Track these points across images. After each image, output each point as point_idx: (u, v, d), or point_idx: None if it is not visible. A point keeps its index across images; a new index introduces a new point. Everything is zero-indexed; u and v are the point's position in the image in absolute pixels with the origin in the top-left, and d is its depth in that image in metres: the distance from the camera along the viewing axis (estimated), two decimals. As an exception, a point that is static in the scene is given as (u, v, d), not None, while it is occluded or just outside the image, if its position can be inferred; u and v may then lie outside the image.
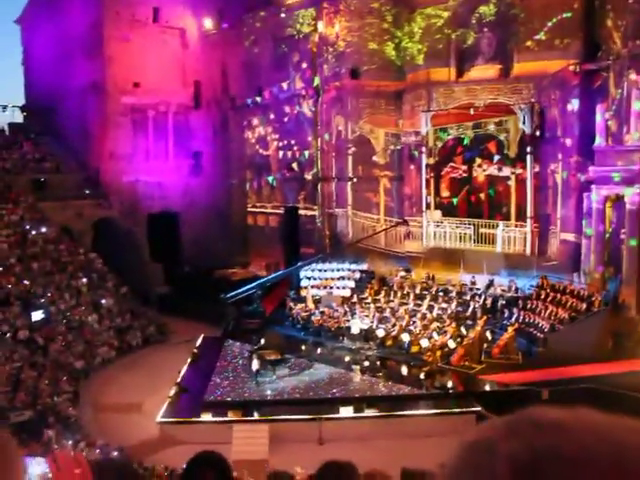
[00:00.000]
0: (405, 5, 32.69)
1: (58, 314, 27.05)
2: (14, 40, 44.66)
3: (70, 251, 31.73)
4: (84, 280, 30.05)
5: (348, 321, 25.63)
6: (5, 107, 39.93)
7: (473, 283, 27.36)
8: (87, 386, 23.58)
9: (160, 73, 38.51)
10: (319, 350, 24.90)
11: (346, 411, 19.25)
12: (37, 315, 25.95)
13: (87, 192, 36.56)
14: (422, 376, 21.04)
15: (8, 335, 24.04)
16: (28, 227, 31.30)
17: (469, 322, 24.32)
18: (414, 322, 24.85)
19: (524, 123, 28.23)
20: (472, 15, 30.59)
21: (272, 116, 37.67)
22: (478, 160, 31.83)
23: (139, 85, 38.04)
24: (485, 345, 22.37)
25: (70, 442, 17.32)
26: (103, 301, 29.60)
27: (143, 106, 38.51)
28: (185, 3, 39.81)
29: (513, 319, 24.05)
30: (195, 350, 25.00)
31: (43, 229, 31.82)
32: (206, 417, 19.36)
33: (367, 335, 24.75)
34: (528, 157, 28.43)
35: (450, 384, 20.56)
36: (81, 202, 35.44)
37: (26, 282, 27.66)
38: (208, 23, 40.56)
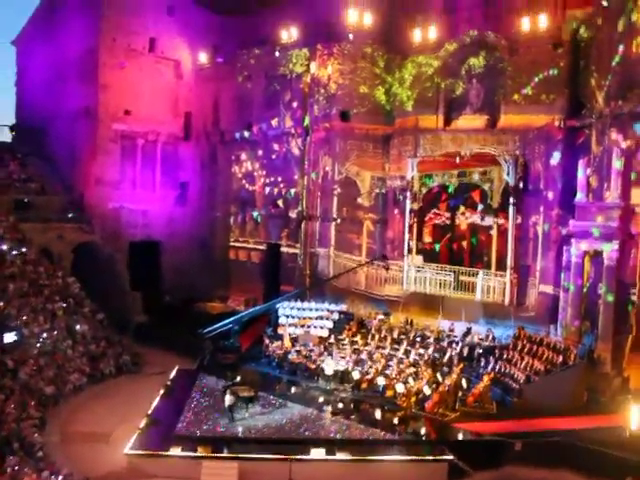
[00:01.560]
0: (397, 52, 33.41)
1: (31, 337, 26.63)
2: (9, 61, 44.79)
3: (48, 274, 31.40)
4: (60, 304, 29.69)
5: (324, 361, 25.51)
6: (-6, 126, 39.88)
7: (451, 330, 27.43)
8: (55, 413, 23.09)
9: (152, 102, 38.82)
10: (293, 389, 24.72)
11: (317, 453, 19.00)
12: (9, 337, 25.54)
13: (70, 215, 36.38)
14: (395, 421, 20.93)
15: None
16: (7, 247, 30.98)
17: (445, 369, 24.29)
18: (390, 366, 24.79)
19: (508, 174, 28.74)
20: (462, 66, 31.34)
21: (260, 152, 37.96)
22: (462, 208, 32.22)
23: (130, 113, 38.25)
24: (460, 393, 22.33)
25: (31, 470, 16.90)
26: (78, 327, 29.19)
27: (133, 134, 38.69)
28: (181, 36, 40.32)
29: (489, 368, 24.08)
30: (169, 382, 24.68)
31: (23, 250, 31.51)
32: (175, 451, 19.00)
33: (342, 377, 24.63)
34: (510, 208, 28.85)
35: (423, 431, 20.43)
36: (63, 225, 35.22)
37: (0, 303, 27.27)
38: (203, 57, 41.06)
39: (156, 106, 39.17)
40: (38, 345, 26.51)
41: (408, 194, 31.84)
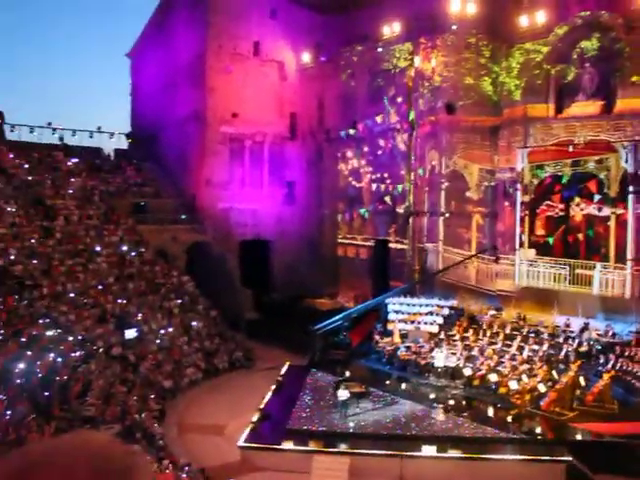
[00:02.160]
0: (503, 40, 32.38)
1: (150, 333, 27.89)
2: (124, 72, 47.15)
3: (164, 273, 32.80)
4: (176, 302, 30.94)
5: (434, 357, 25.13)
6: (112, 134, 42.10)
7: (567, 325, 26.29)
8: (173, 405, 24.09)
9: (258, 104, 39.65)
10: (404, 385, 24.51)
11: (428, 450, 18.75)
12: (130, 333, 26.84)
13: (183, 217, 37.85)
14: (509, 419, 20.29)
15: (102, 351, 24.93)
16: (126, 248, 32.60)
17: (561, 366, 23.31)
18: (503, 363, 24.07)
19: (626, 161, 27.18)
20: (573, 50, 29.95)
21: (366, 149, 37.91)
22: (577, 199, 30.84)
23: (237, 115, 39.26)
24: (578, 391, 21.34)
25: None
26: (193, 323, 30.33)
27: (241, 136, 39.67)
28: (285, 37, 40.94)
29: (609, 366, 22.86)
30: (280, 377, 25.11)
31: (140, 250, 33.07)
32: (287, 445, 19.30)
33: (453, 373, 24.17)
34: (630, 197, 27.26)
35: (539, 430, 19.69)
36: (177, 226, 36.74)
37: (122, 301, 28.72)
38: (306, 57, 41.50)
39: (262, 107, 39.97)
40: (157, 341, 27.71)
41: (518, 186, 30.75)
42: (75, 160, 38.52)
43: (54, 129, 39.38)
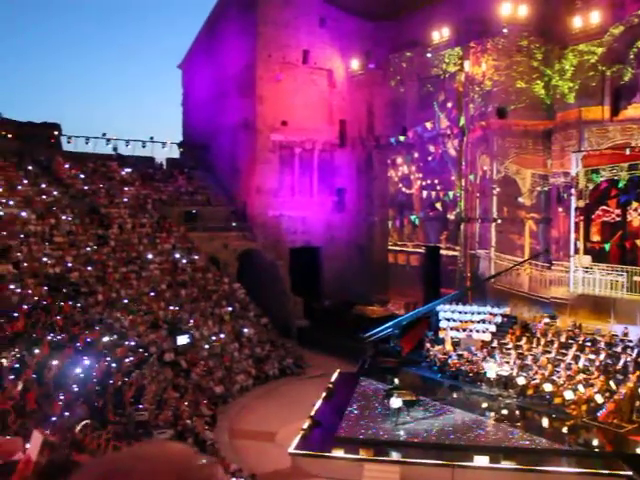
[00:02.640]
0: (556, 42, 31.77)
1: (201, 340, 28.20)
2: (176, 83, 48.02)
3: (216, 280, 33.17)
4: (228, 309, 31.23)
5: (487, 366, 24.71)
6: (164, 144, 42.85)
7: (625, 334, 25.49)
8: (224, 411, 24.28)
9: (307, 112, 39.82)
10: (455, 394, 24.17)
11: (481, 460, 18.39)
12: (182, 339, 27.19)
13: (234, 224, 38.24)
14: (565, 430, 19.79)
15: (155, 357, 25.30)
16: (178, 256, 33.09)
17: (619, 376, 22.60)
18: (558, 372, 23.50)
19: (686, 164, 26.30)
20: (630, 50, 29.15)
21: (416, 155, 37.67)
22: (634, 204, 29.96)
23: (287, 123, 39.49)
24: (638, 403, 20.67)
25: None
26: (244, 330, 30.57)
27: (290, 143, 39.89)
28: (333, 45, 41.05)
29: (670, 376, 22.09)
30: (330, 385, 25.04)
31: (193, 258, 33.52)
32: (338, 453, 19.22)
33: (506, 382, 23.72)
34: (690, 201, 26.36)
35: (596, 442, 19.13)
36: (227, 234, 37.12)
37: (174, 307, 29.13)
38: (355, 64, 41.52)
39: (311, 115, 40.12)
40: (208, 347, 28.00)
41: (573, 191, 30.06)
42: (128, 170, 39.38)
43: (108, 139, 40.34)
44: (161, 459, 0.94)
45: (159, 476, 0.90)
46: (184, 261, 33.06)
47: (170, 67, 50.55)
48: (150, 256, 32.08)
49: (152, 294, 29.57)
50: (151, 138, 42.13)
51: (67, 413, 17.64)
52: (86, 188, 35.73)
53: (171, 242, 33.96)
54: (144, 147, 41.75)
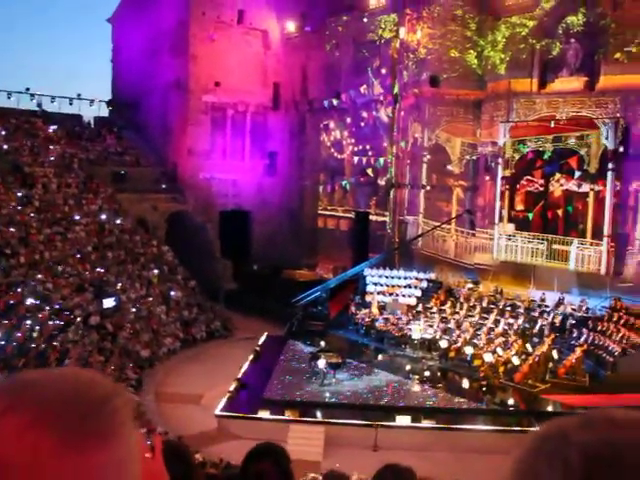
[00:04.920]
0: (489, 13, 32.15)
1: (128, 303, 27.85)
2: (105, 38, 46.36)
3: (144, 242, 32.67)
4: (155, 271, 30.86)
5: (411, 329, 25.38)
6: (92, 101, 41.54)
7: (542, 300, 26.60)
8: (150, 375, 24.17)
9: (241, 73, 39.20)
10: (380, 356, 24.78)
11: (403, 420, 19.01)
12: (108, 302, 26.77)
13: (163, 186, 37.59)
14: (483, 391, 20.61)
15: (80, 320, 24.86)
16: (106, 217, 32.37)
17: (535, 340, 23.65)
18: (479, 335, 24.37)
19: (607, 138, 27.29)
20: (559, 25, 29.78)
21: (349, 120, 37.73)
22: (557, 175, 30.97)
23: (220, 84, 38.81)
24: (551, 364, 21.72)
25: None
26: (172, 293, 30.32)
27: (223, 105, 39.29)
28: (269, 6, 40.38)
29: (582, 340, 23.23)
30: (257, 348, 25.25)
31: (119, 220, 32.86)
32: (264, 414, 19.50)
33: (430, 345, 24.45)
34: (609, 174, 27.43)
35: (512, 401, 20.03)
36: (157, 196, 36.47)
37: (100, 270, 28.59)
38: (291, 26, 41.02)
39: (245, 77, 39.51)
40: (135, 310, 27.69)
41: (500, 160, 30.82)
42: (54, 127, 38.00)
43: (32, 95, 38.79)
44: (68, 377, 0.95)
45: (57, 384, 0.91)
46: (111, 222, 32.36)
47: (99, 20, 48.70)
48: (76, 217, 31.24)
49: (78, 256, 28.89)
50: (78, 95, 40.79)
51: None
52: (7, 146, 34.35)
53: (98, 203, 33.14)
54: (71, 104, 40.40)
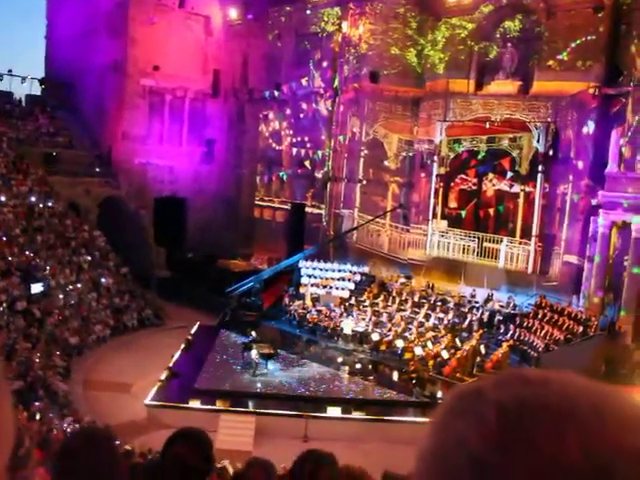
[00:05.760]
0: (431, 13, 32.71)
1: (57, 288, 27.14)
2: (39, 13, 44.76)
3: (75, 227, 31.83)
4: (86, 257, 30.16)
5: (344, 322, 25.69)
6: (24, 79, 40.06)
7: (472, 296, 27.39)
8: (79, 362, 23.67)
9: (181, 58, 38.54)
10: (312, 348, 24.99)
11: (334, 411, 19.28)
12: (36, 288, 26.01)
13: (97, 170, 36.67)
14: (413, 383, 21.08)
15: (5, 305, 24.09)
16: (35, 199, 31.39)
17: (464, 334, 24.35)
18: (410, 329, 24.89)
19: (538, 141, 28.24)
20: (496, 29, 30.62)
21: (288, 111, 37.72)
22: (490, 175, 31.83)
23: (159, 68, 38.06)
24: (478, 359, 22.41)
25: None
26: (103, 280, 29.70)
27: (161, 89, 38.58)
28: (212, -9, 39.88)
29: (508, 335, 24.08)
30: (189, 337, 25.07)
31: (50, 203, 31.92)
32: (194, 404, 19.41)
33: (361, 338, 24.82)
34: (539, 176, 28.43)
35: (440, 394, 20.56)
36: (90, 179, 35.52)
37: (28, 254, 27.75)
38: (233, 13, 40.59)
39: (185, 62, 38.88)
40: (64, 296, 27.01)
41: (435, 158, 31.48)
42: (-18, 103, 36.54)
43: (-40, 69, 37.14)
44: None
45: None
46: (41, 205, 31.39)
47: (33, -4, 47.03)
48: (3, 198, 30.15)
49: (4, 239, 27.91)
50: (9, 71, 39.25)
51: None
52: None
53: (28, 185, 32.05)
54: (1, 80, 38.86)
